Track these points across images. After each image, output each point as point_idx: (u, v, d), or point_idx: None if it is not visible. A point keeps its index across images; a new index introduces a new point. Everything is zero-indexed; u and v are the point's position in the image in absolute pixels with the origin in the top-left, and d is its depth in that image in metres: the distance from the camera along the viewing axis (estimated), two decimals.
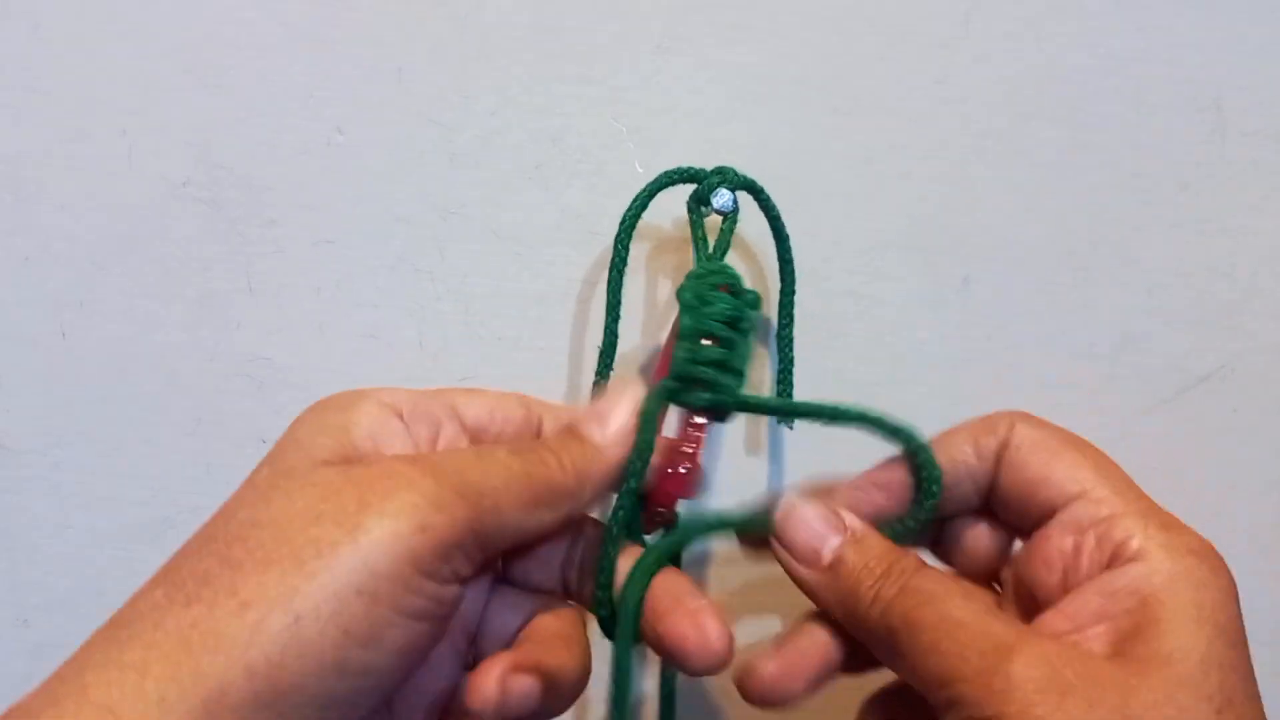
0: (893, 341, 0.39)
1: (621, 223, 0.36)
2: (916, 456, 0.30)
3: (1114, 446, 0.40)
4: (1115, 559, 0.26)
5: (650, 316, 0.39)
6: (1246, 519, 0.41)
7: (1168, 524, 0.27)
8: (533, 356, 0.39)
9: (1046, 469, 0.28)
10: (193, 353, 0.38)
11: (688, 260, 0.39)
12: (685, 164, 0.37)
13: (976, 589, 0.30)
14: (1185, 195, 0.39)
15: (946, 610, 0.26)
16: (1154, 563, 0.26)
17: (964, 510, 0.31)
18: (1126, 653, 0.25)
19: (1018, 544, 0.30)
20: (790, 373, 0.38)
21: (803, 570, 0.29)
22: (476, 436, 0.29)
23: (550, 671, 0.26)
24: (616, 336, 0.37)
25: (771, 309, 0.38)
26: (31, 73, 0.38)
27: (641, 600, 0.27)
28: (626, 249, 0.36)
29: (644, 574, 0.27)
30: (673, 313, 0.39)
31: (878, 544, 0.29)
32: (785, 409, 0.36)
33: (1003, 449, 0.29)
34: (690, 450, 0.30)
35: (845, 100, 0.39)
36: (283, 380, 0.39)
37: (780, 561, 0.29)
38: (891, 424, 0.30)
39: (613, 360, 0.37)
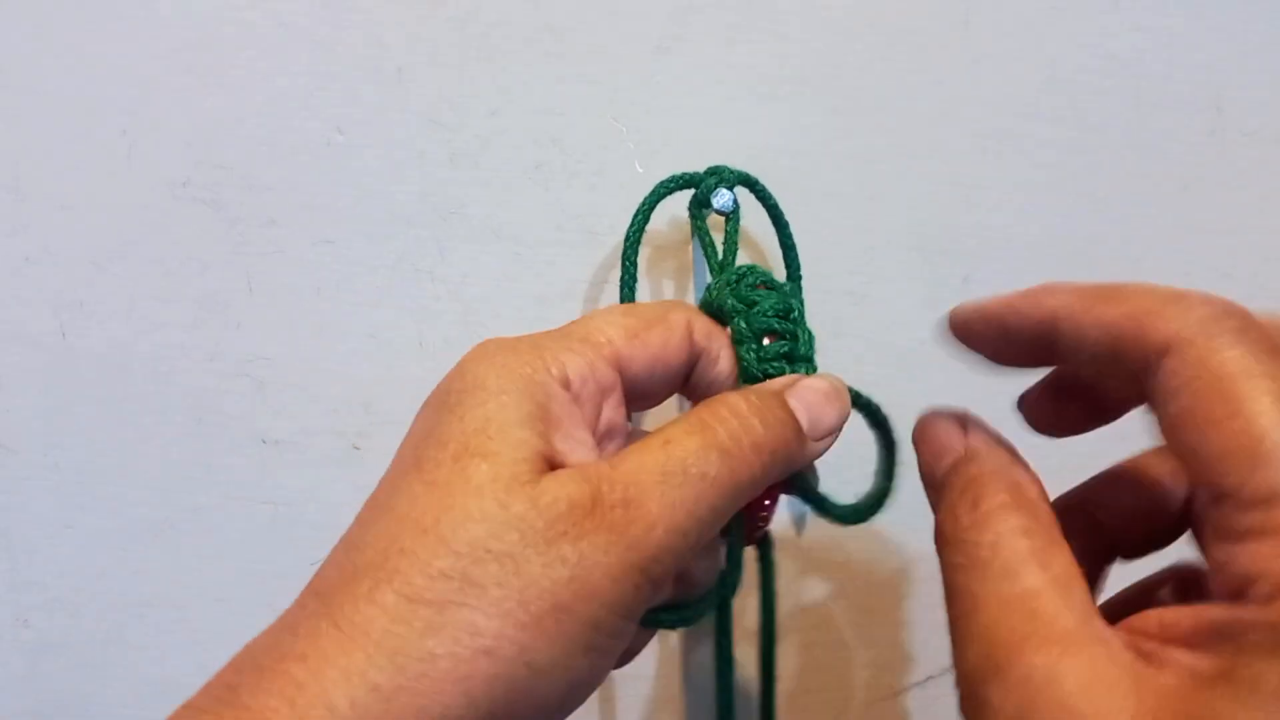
0: (893, 341, 0.39)
1: (626, 239, 0.36)
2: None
3: (1114, 446, 0.40)
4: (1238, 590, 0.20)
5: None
6: None
7: None
8: None
9: (1194, 445, 0.21)
10: (193, 353, 0.38)
11: (688, 262, 0.39)
12: (685, 163, 0.37)
13: (1044, 560, 0.23)
14: (1185, 195, 0.39)
15: (976, 586, 0.23)
16: None
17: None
18: (1190, 696, 0.19)
19: None
20: (797, 295, 0.36)
21: (929, 492, 0.26)
22: (634, 394, 0.28)
23: None
24: None
25: None
26: (31, 73, 0.38)
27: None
28: (635, 264, 0.36)
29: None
30: None
31: (983, 463, 0.25)
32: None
33: (1146, 375, 0.22)
34: None
35: (845, 100, 0.39)
36: (283, 380, 0.39)
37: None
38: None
39: None
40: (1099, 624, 0.21)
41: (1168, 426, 0.21)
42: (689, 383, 0.30)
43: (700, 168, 0.36)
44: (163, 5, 0.38)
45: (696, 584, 0.28)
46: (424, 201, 0.38)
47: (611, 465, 0.25)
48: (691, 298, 0.39)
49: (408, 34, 0.38)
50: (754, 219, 0.37)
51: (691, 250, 0.39)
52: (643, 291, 0.39)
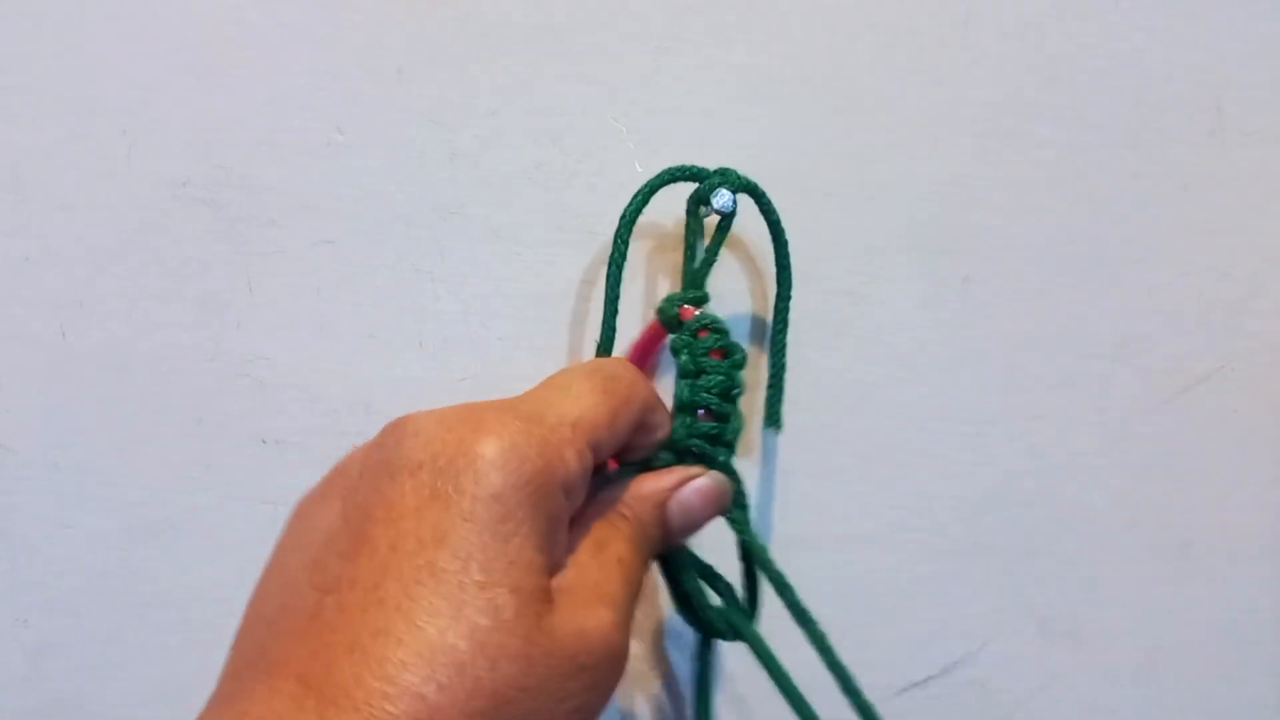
0: (893, 341, 0.39)
1: (622, 217, 0.35)
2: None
3: (1114, 446, 0.41)
4: None
5: (649, 314, 0.39)
6: (1247, 519, 0.41)
7: None
8: (533, 356, 0.39)
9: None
10: (193, 353, 0.38)
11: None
12: (685, 162, 0.37)
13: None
14: (1185, 195, 0.39)
15: None
16: None
17: None
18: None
19: None
20: (781, 377, 0.38)
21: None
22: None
23: None
24: (614, 331, 0.37)
25: (767, 309, 0.38)
26: (31, 73, 0.38)
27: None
28: (626, 243, 0.36)
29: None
30: None
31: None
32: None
33: None
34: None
35: (845, 100, 0.39)
36: (283, 380, 0.39)
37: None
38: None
39: (610, 355, 0.37)
40: None
41: None
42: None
43: (701, 166, 0.36)
44: (163, 5, 0.38)
45: None
46: (424, 201, 0.38)
47: (603, 598, 0.26)
48: None
49: (408, 34, 0.38)
50: (751, 229, 0.37)
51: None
52: (637, 283, 0.38)
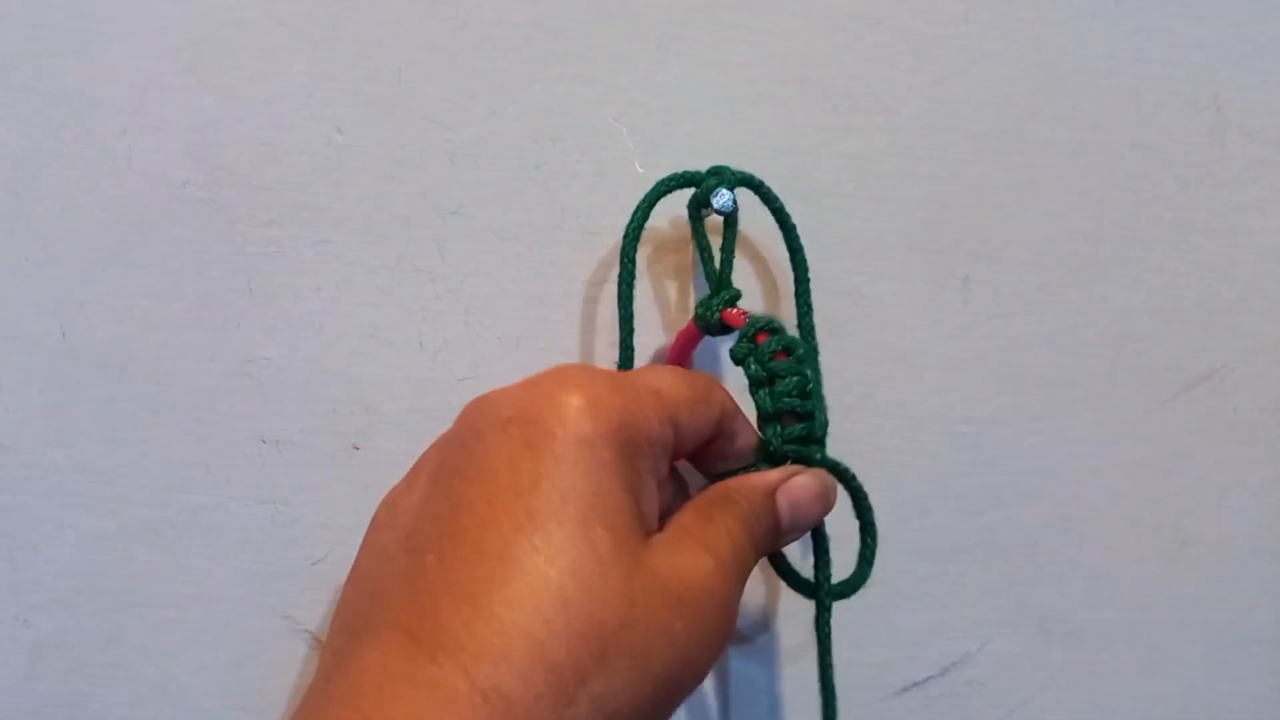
0: (893, 341, 0.39)
1: (625, 236, 0.36)
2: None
3: (1114, 446, 0.41)
4: None
5: (657, 321, 0.39)
6: (1247, 519, 0.41)
7: None
8: (533, 357, 0.39)
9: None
10: (193, 353, 0.38)
11: (688, 261, 0.39)
12: (685, 163, 0.37)
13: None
14: (1185, 195, 0.39)
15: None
16: None
17: None
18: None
19: None
20: (815, 361, 0.37)
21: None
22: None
23: None
24: (633, 350, 0.37)
25: (784, 301, 0.38)
26: (31, 73, 0.38)
27: None
28: (633, 260, 0.36)
29: None
30: (684, 315, 0.39)
31: None
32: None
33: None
34: None
35: (845, 100, 0.39)
36: (283, 380, 0.39)
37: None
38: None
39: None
40: None
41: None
42: (703, 450, 0.32)
43: (700, 168, 0.36)
44: (163, 5, 0.38)
45: None
46: (424, 201, 0.38)
47: (708, 547, 0.27)
48: (691, 298, 0.39)
49: (408, 34, 0.38)
50: (757, 222, 0.37)
51: (691, 250, 0.39)
52: (643, 291, 0.39)
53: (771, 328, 0.34)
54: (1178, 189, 0.39)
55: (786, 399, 0.32)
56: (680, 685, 0.24)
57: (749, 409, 0.33)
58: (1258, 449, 0.40)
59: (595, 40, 0.38)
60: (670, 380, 0.29)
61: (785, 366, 0.33)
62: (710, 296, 0.35)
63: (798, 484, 0.31)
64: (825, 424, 0.33)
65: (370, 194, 0.38)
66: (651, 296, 0.39)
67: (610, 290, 0.38)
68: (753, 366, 0.33)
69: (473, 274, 0.39)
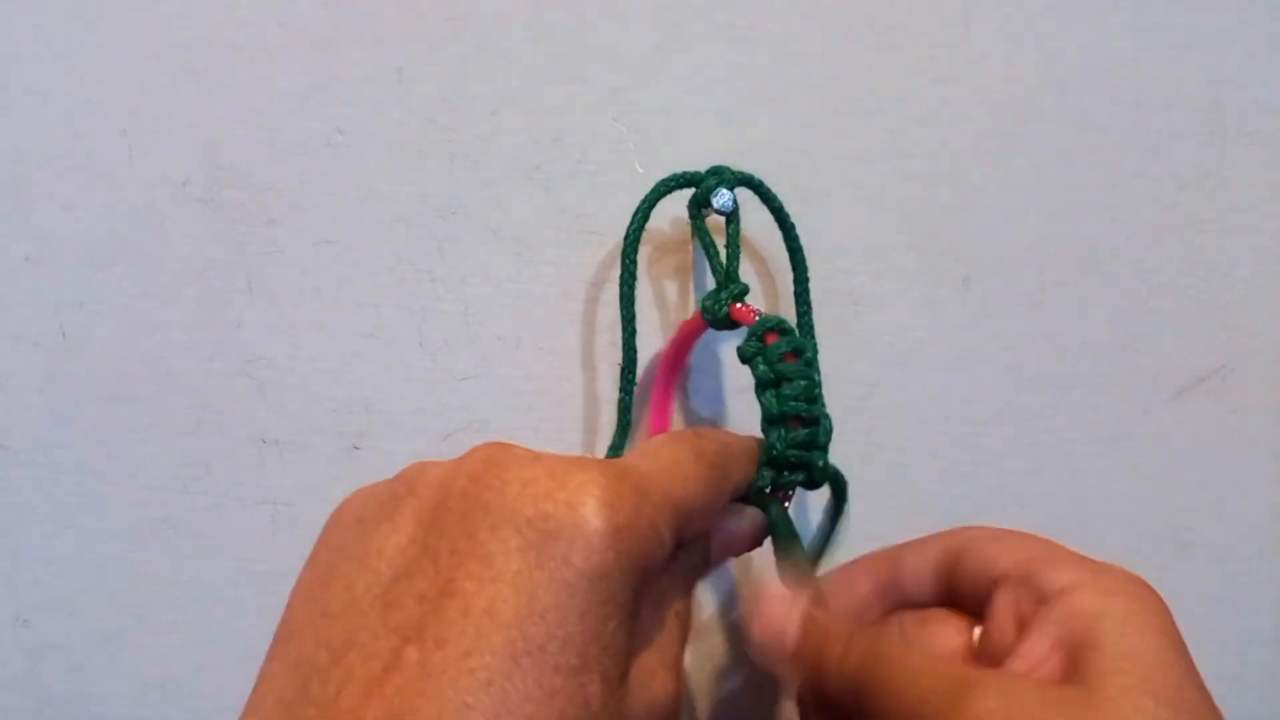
0: (893, 341, 0.39)
1: (626, 237, 0.36)
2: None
3: (1114, 447, 0.41)
4: (1051, 599, 0.27)
5: (658, 320, 0.39)
6: (1246, 519, 0.41)
7: (1094, 566, 0.28)
8: (533, 357, 0.39)
9: (986, 571, 0.30)
10: (193, 353, 0.38)
11: (688, 262, 0.39)
12: (685, 163, 0.37)
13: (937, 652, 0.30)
14: (1185, 195, 0.39)
15: (909, 661, 0.27)
16: (1085, 591, 0.27)
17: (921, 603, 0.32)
18: (1078, 672, 0.25)
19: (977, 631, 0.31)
20: (815, 362, 0.37)
21: (776, 657, 0.30)
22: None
23: None
24: (635, 352, 0.37)
25: (784, 301, 0.38)
26: (31, 73, 0.38)
27: None
28: (634, 263, 0.36)
29: None
30: (684, 315, 0.39)
31: (836, 620, 0.30)
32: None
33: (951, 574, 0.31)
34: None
35: (845, 100, 0.39)
36: (283, 380, 0.39)
37: (755, 654, 0.31)
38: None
39: (634, 376, 0.37)
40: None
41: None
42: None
43: (700, 168, 0.36)
44: (163, 5, 0.38)
45: None
46: (424, 201, 0.38)
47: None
48: (691, 298, 0.39)
49: (408, 34, 0.38)
50: (756, 222, 0.37)
51: (692, 250, 0.39)
52: (643, 292, 0.39)
53: (782, 329, 0.33)
54: (1178, 189, 0.39)
55: (793, 403, 0.32)
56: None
57: (754, 409, 0.33)
58: (1258, 449, 0.40)
59: (595, 40, 0.38)
60: (694, 489, 0.27)
61: (793, 369, 0.32)
62: (718, 290, 0.35)
63: (728, 526, 0.31)
64: (830, 430, 0.33)
65: (370, 194, 0.38)
66: (651, 297, 0.39)
67: (610, 290, 0.38)
68: (761, 367, 0.33)
69: (473, 274, 0.39)
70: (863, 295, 0.39)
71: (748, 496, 0.32)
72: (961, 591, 0.30)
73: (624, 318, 0.36)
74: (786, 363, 0.32)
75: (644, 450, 0.28)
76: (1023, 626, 0.28)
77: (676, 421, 0.39)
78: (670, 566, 0.27)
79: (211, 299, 0.38)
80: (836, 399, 0.39)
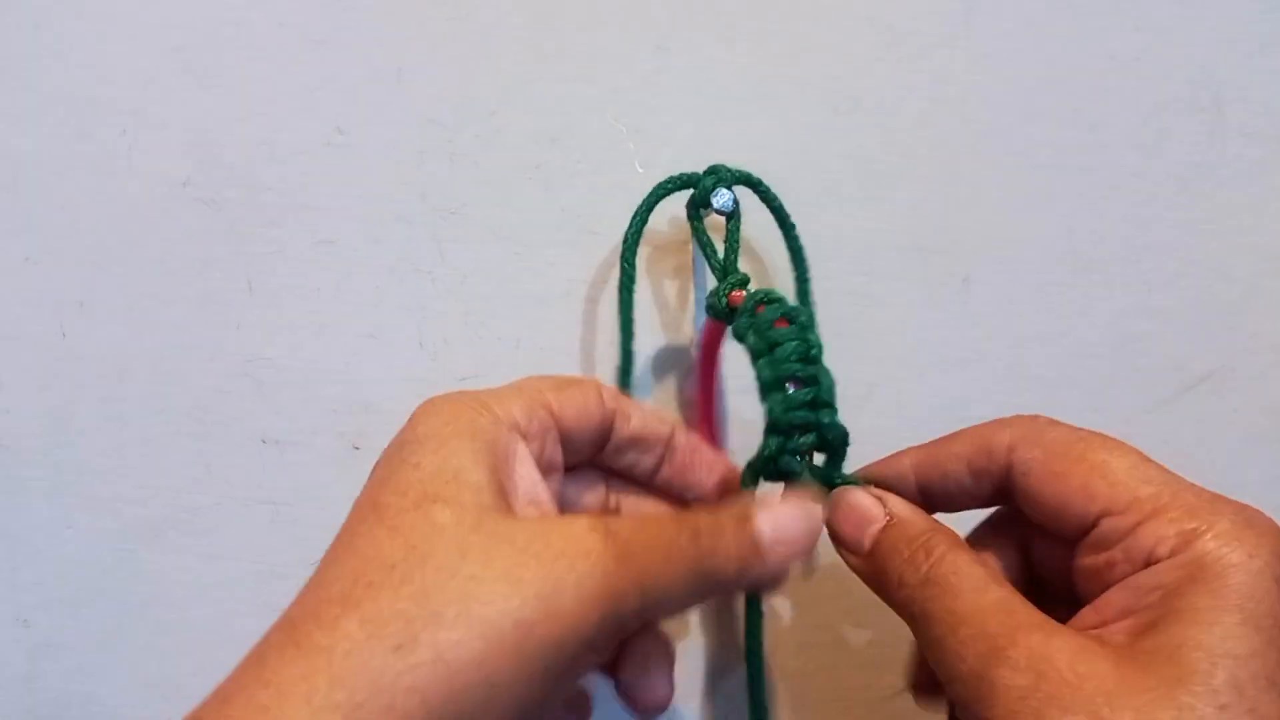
0: (893, 341, 0.39)
1: (624, 241, 0.36)
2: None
3: None
4: (1146, 563, 0.26)
5: (656, 322, 0.39)
6: None
7: (1195, 511, 0.26)
8: (533, 357, 0.39)
9: (1060, 498, 0.28)
10: (193, 353, 0.38)
11: (688, 262, 0.39)
12: (685, 163, 0.37)
13: (999, 579, 0.28)
14: (1185, 195, 0.39)
15: (954, 605, 0.26)
16: (1178, 559, 0.25)
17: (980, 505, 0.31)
18: (1138, 648, 0.24)
19: None
20: (811, 325, 0.36)
21: (850, 558, 0.30)
22: (566, 442, 0.30)
23: None
24: (633, 354, 0.37)
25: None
26: (31, 73, 0.38)
27: None
28: (633, 265, 0.36)
29: None
30: (683, 314, 0.39)
31: (916, 523, 0.29)
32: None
33: (1005, 475, 0.29)
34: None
35: (845, 100, 0.39)
36: (283, 380, 0.39)
37: (836, 549, 0.31)
38: None
39: (630, 378, 0.37)
40: (1053, 620, 0.26)
41: (1036, 490, 0.28)
42: (609, 444, 0.31)
43: (700, 168, 0.36)
44: (163, 5, 0.38)
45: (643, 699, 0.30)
46: (424, 201, 0.38)
47: (591, 514, 0.27)
48: (691, 297, 0.39)
49: (408, 34, 0.38)
50: (755, 220, 0.37)
51: (691, 250, 0.39)
52: (643, 292, 0.39)
53: (769, 298, 0.32)
54: (1178, 189, 0.39)
55: (787, 365, 0.30)
56: (532, 631, 0.23)
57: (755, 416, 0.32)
58: (1258, 449, 0.40)
59: (595, 40, 0.38)
60: (535, 379, 0.30)
61: (786, 333, 0.31)
62: (718, 285, 0.34)
63: (779, 511, 0.28)
64: (832, 386, 0.31)
65: (370, 194, 0.38)
66: (651, 298, 0.39)
67: (609, 290, 0.38)
68: (751, 339, 0.31)
69: (473, 274, 0.39)
70: (863, 295, 0.39)
71: (765, 474, 0.31)
72: (1027, 519, 0.29)
73: (622, 322, 0.36)
74: (778, 329, 0.31)
75: None
76: (1104, 581, 0.27)
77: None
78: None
79: (211, 299, 0.38)
80: (837, 399, 0.39)
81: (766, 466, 0.31)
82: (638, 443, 0.32)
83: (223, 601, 0.39)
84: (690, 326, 0.39)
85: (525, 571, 0.24)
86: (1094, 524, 0.27)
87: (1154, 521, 0.26)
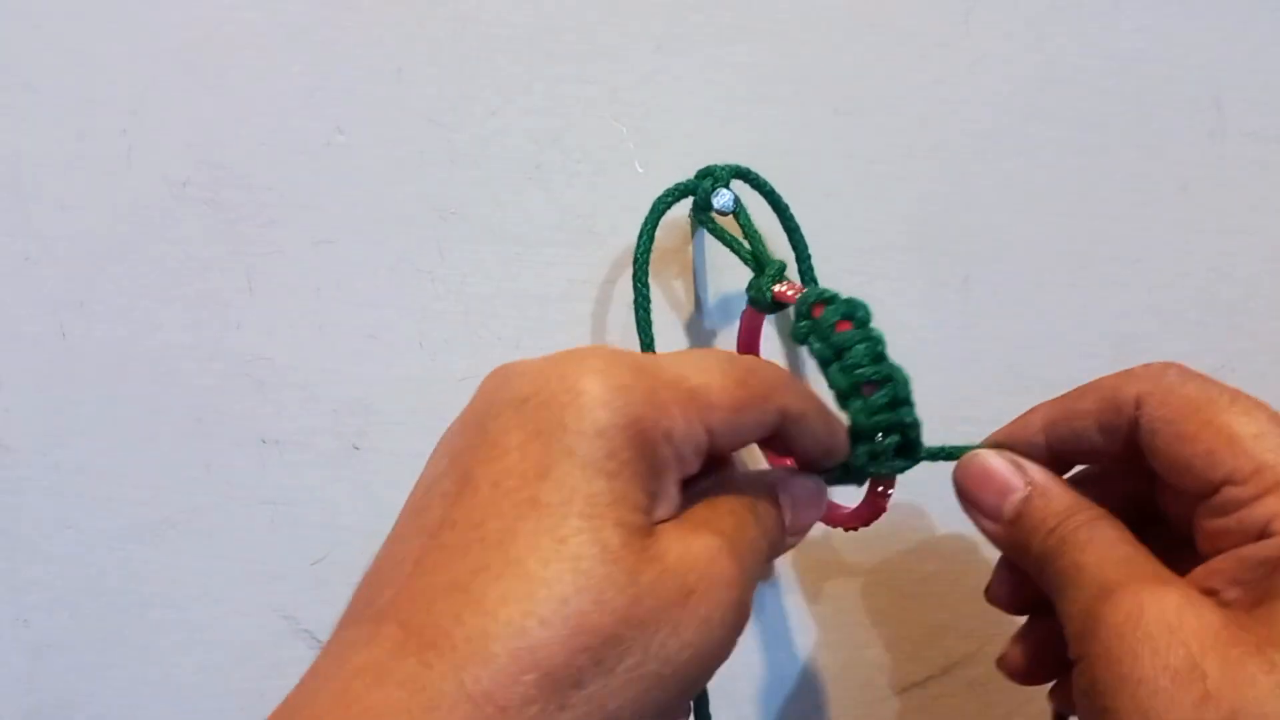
0: (893, 341, 0.39)
1: (635, 260, 0.35)
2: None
3: None
4: (1258, 536, 0.26)
5: (659, 322, 0.39)
6: None
7: None
8: (533, 357, 0.39)
9: (1185, 461, 0.28)
10: (193, 353, 0.38)
11: (689, 262, 0.39)
12: (685, 164, 0.37)
13: (1133, 542, 0.29)
14: (1185, 195, 0.39)
15: (1078, 556, 0.27)
16: None
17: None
18: (1242, 613, 0.25)
19: None
20: (870, 320, 0.36)
21: (987, 524, 0.30)
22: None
23: None
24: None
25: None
26: (31, 73, 0.38)
27: None
28: (646, 285, 0.35)
29: None
30: (689, 317, 0.39)
31: (1059, 496, 0.29)
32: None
33: (1133, 431, 0.29)
34: (888, 485, 0.32)
35: (845, 100, 0.39)
36: (283, 380, 0.39)
37: (966, 513, 0.31)
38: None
39: None
40: (1175, 575, 0.27)
41: (1162, 450, 0.28)
42: (766, 445, 0.31)
43: (699, 167, 0.36)
44: (163, 5, 0.38)
45: None
46: (424, 201, 0.38)
47: (724, 536, 0.25)
48: (694, 299, 0.39)
49: (408, 34, 0.38)
50: (753, 211, 0.37)
51: (691, 251, 0.39)
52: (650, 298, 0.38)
53: (824, 298, 0.31)
54: (1178, 189, 0.39)
55: (859, 370, 0.29)
56: (687, 681, 0.23)
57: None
58: None
59: (595, 40, 0.38)
60: (715, 380, 0.26)
61: (850, 336, 0.30)
62: (758, 276, 0.34)
63: (796, 482, 0.29)
64: (907, 381, 0.30)
65: (370, 194, 0.38)
66: (655, 301, 0.39)
67: (610, 290, 0.38)
68: (815, 345, 0.30)
69: (473, 274, 0.39)
70: (863, 295, 0.39)
71: (851, 478, 0.30)
72: (1155, 474, 0.29)
73: (643, 344, 0.36)
74: (841, 332, 0.30)
75: (675, 352, 0.29)
76: (1221, 546, 0.27)
77: None
78: (723, 464, 0.29)
79: (211, 299, 0.38)
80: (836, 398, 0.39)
81: (858, 476, 0.30)
82: (795, 459, 0.30)
83: (223, 601, 0.39)
84: (698, 329, 0.39)
85: (684, 615, 0.23)
86: (1217, 490, 0.27)
87: (1273, 496, 0.26)
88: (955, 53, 0.39)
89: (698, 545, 0.24)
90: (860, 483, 0.31)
